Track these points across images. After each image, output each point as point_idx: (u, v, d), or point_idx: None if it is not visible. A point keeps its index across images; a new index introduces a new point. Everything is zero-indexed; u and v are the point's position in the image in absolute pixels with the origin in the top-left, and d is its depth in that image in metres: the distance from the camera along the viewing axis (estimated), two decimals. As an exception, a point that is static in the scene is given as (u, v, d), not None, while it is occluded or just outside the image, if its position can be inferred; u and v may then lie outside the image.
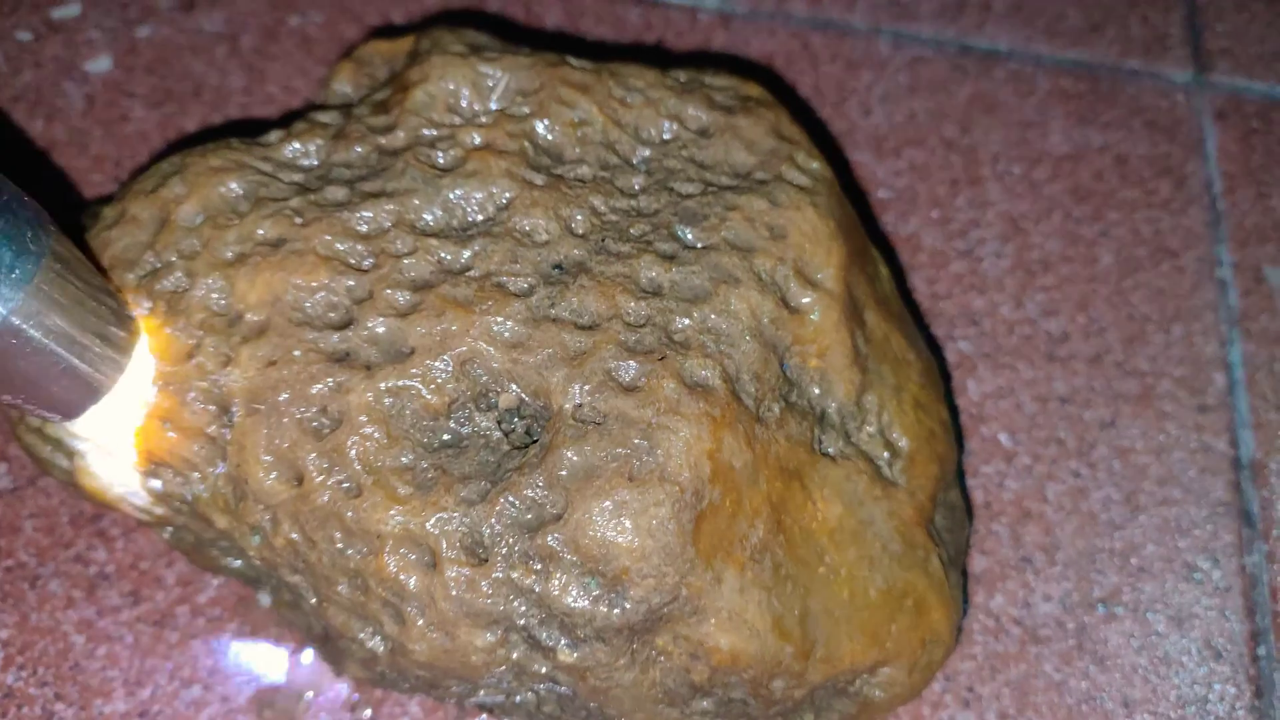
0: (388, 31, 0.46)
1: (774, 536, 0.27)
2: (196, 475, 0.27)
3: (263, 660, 0.34)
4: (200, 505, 0.27)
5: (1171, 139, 0.46)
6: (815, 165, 0.31)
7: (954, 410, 0.39)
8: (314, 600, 0.26)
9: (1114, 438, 0.39)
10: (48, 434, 0.29)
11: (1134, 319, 0.41)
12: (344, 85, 0.34)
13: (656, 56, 0.47)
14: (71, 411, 0.25)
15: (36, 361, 0.23)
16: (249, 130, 0.44)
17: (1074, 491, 0.38)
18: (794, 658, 0.27)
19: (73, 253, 0.24)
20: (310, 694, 0.33)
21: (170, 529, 0.30)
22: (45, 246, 0.23)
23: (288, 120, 0.32)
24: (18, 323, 0.22)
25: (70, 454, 0.29)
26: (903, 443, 0.30)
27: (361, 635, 0.26)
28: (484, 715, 0.32)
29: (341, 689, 0.33)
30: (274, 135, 0.31)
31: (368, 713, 0.33)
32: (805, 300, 0.29)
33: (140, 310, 0.27)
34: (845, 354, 0.29)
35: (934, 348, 0.40)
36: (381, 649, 0.26)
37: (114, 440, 0.27)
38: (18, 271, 0.22)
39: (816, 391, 0.29)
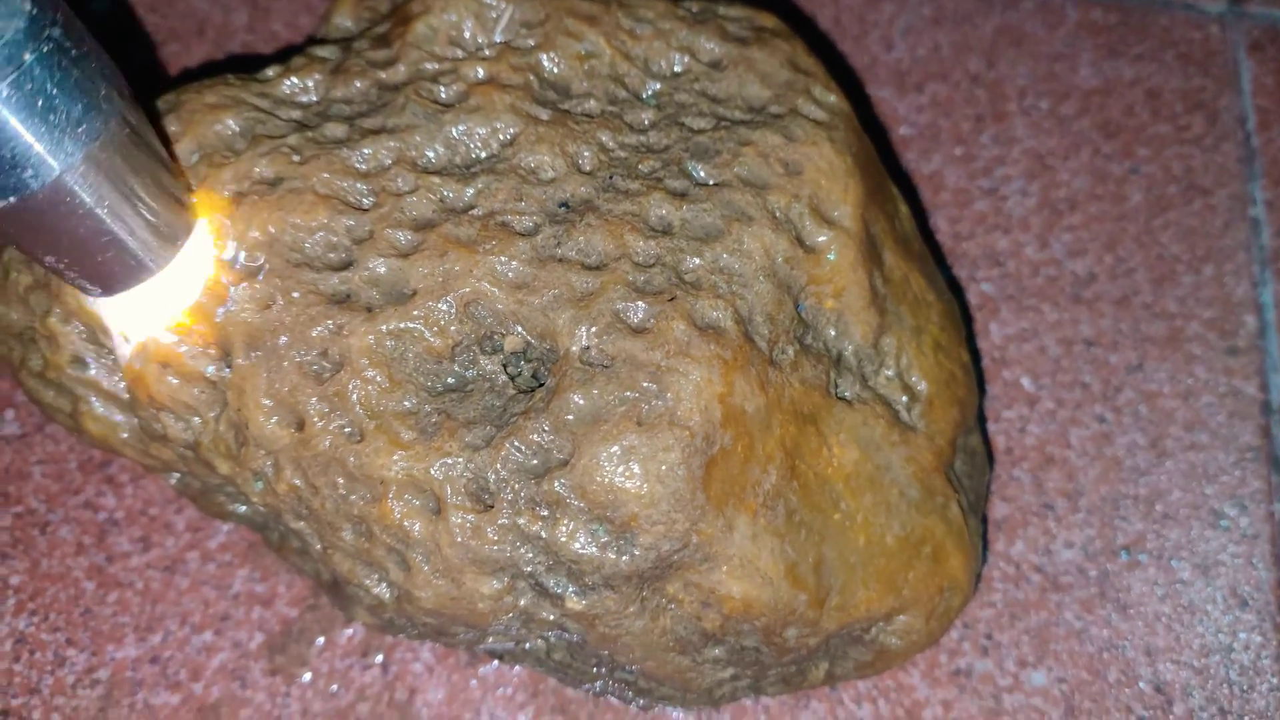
0: None
1: (788, 482, 0.26)
2: (198, 420, 0.26)
3: (274, 606, 0.33)
4: (202, 450, 0.26)
5: (1205, 72, 0.44)
6: (832, 99, 0.30)
7: (975, 354, 0.38)
8: (319, 547, 0.26)
9: (1140, 381, 0.38)
10: (49, 378, 0.29)
11: (1163, 259, 0.40)
12: (344, 19, 0.33)
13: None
14: (110, 287, 0.24)
15: (86, 226, 0.22)
16: (250, 67, 0.43)
17: (1098, 437, 0.37)
18: (808, 605, 0.26)
19: (143, 123, 0.23)
20: (322, 639, 0.33)
21: (176, 475, 0.30)
22: (116, 108, 0.22)
23: (287, 55, 0.31)
24: (71, 182, 0.21)
25: (74, 399, 0.29)
26: (922, 386, 0.29)
27: (367, 582, 0.26)
28: (495, 661, 0.32)
29: (354, 634, 0.33)
30: (272, 70, 0.30)
31: (379, 658, 0.33)
32: (821, 239, 0.28)
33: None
34: (862, 295, 0.28)
35: (955, 289, 0.39)
36: (388, 596, 0.26)
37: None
38: (84, 127, 0.21)
39: (833, 333, 0.28)
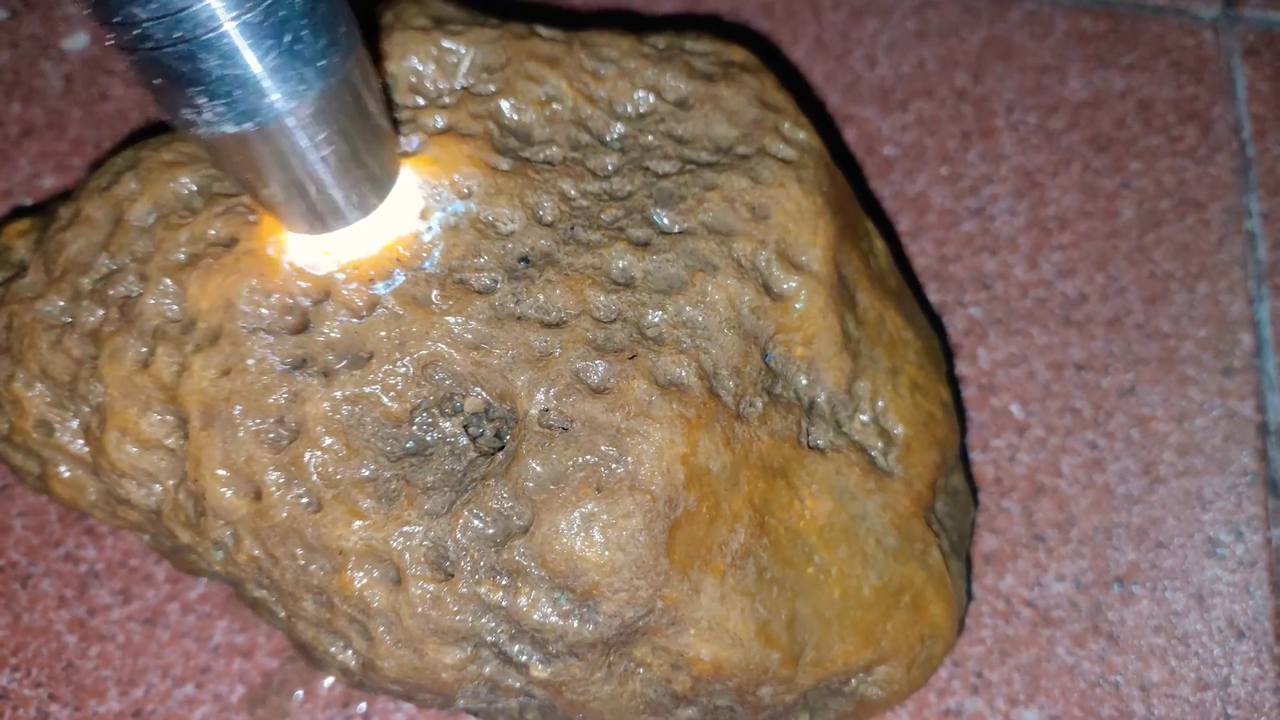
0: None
1: (757, 540, 0.25)
2: (159, 487, 0.26)
3: (254, 657, 0.33)
4: (164, 518, 0.26)
5: (1198, 80, 0.43)
6: (802, 135, 0.29)
7: (956, 385, 0.37)
8: (283, 614, 0.26)
9: (1133, 405, 0.37)
10: (16, 442, 0.28)
11: (1156, 277, 0.39)
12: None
13: (637, 19, 0.45)
14: (315, 227, 0.24)
15: (308, 162, 0.22)
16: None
17: (1089, 464, 0.36)
18: (781, 664, 0.26)
19: (369, 66, 0.23)
20: (301, 692, 0.33)
21: (148, 534, 0.30)
22: (353, 46, 0.22)
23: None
24: (307, 115, 0.21)
25: (42, 461, 0.28)
26: (898, 430, 0.28)
27: (333, 650, 0.25)
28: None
29: (334, 685, 0.32)
30: (232, 123, 0.30)
31: (362, 707, 0.32)
32: (789, 285, 0.27)
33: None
34: (834, 340, 0.27)
35: (935, 320, 0.39)
36: (354, 663, 0.25)
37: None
38: (324, 62, 0.21)
39: (804, 381, 0.27)
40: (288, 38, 0.20)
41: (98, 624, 0.34)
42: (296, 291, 0.25)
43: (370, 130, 0.23)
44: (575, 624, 0.24)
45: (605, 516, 0.23)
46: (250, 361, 0.25)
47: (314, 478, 0.24)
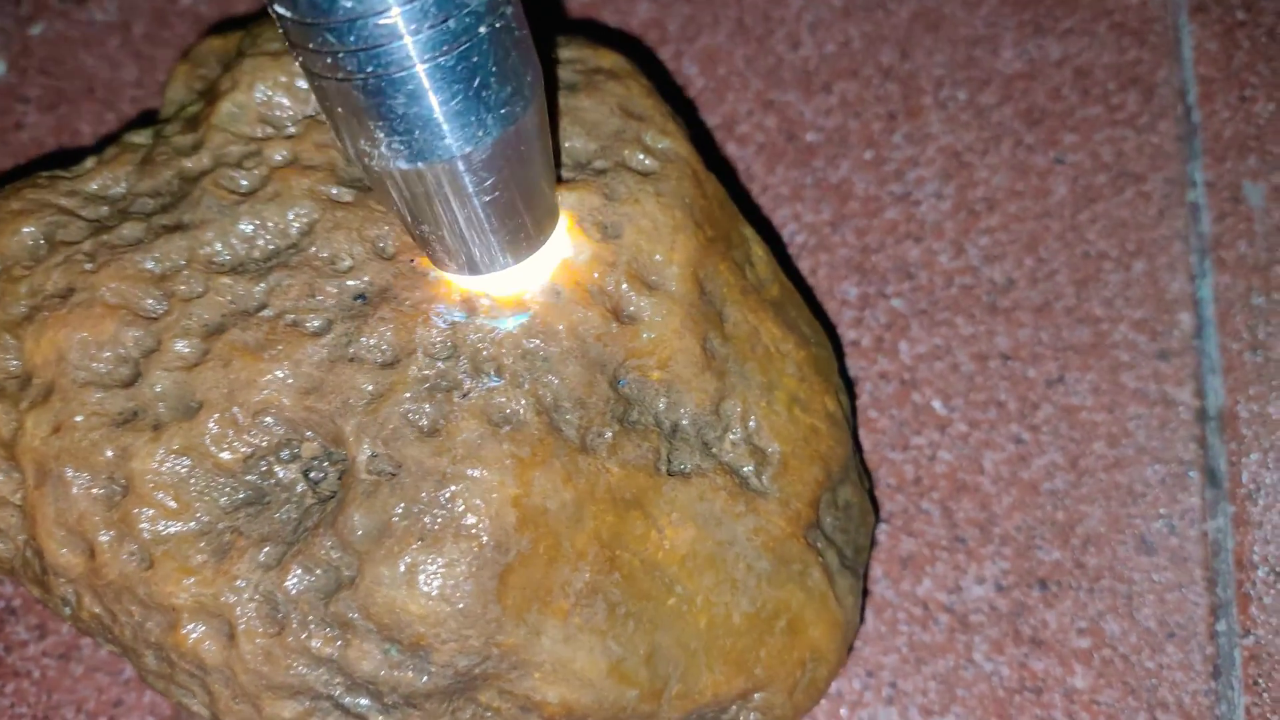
0: (233, 24, 0.44)
1: (606, 575, 0.25)
2: (10, 544, 0.26)
3: (164, 689, 0.33)
4: (17, 574, 0.26)
5: (1141, 42, 0.41)
6: (665, 144, 0.28)
7: (852, 390, 0.36)
8: (133, 668, 0.25)
9: (1061, 396, 0.36)
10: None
11: (1089, 257, 0.37)
12: (178, 90, 0.32)
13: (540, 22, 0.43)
14: (464, 270, 0.25)
15: (471, 207, 0.22)
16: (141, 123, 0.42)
17: (1014, 459, 0.35)
18: (641, 699, 0.25)
19: (546, 119, 0.23)
20: (210, 723, 0.33)
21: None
22: (535, 98, 0.22)
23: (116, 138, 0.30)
24: (479, 160, 0.21)
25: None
26: (773, 448, 0.27)
27: (186, 701, 0.25)
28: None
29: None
30: (90, 162, 0.29)
31: (275, 735, 0.32)
32: (639, 307, 0.26)
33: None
34: (693, 361, 0.26)
35: (829, 327, 0.37)
36: (206, 715, 0.25)
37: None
38: (505, 110, 0.21)
39: (663, 405, 0.26)
40: (476, 83, 0.20)
41: (14, 660, 0.34)
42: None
43: (536, 181, 0.23)
44: (409, 675, 0.23)
45: (428, 567, 0.23)
46: (79, 418, 0.24)
47: (144, 535, 0.24)
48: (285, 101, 0.28)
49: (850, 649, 0.31)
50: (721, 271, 0.28)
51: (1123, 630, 0.33)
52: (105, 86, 0.43)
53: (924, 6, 0.42)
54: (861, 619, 0.32)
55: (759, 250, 0.30)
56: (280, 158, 0.27)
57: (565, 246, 0.26)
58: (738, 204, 0.39)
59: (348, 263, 0.26)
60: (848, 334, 0.37)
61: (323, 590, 0.23)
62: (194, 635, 0.24)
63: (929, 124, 0.40)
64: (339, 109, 0.21)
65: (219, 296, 0.25)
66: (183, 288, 0.25)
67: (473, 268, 0.24)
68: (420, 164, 0.21)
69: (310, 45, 0.19)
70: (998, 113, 0.40)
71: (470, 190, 0.22)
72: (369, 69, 0.19)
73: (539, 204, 0.24)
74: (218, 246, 0.26)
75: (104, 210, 0.28)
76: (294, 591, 0.23)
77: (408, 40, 0.19)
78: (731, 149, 0.40)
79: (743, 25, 0.42)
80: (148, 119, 0.41)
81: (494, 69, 0.20)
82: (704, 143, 0.40)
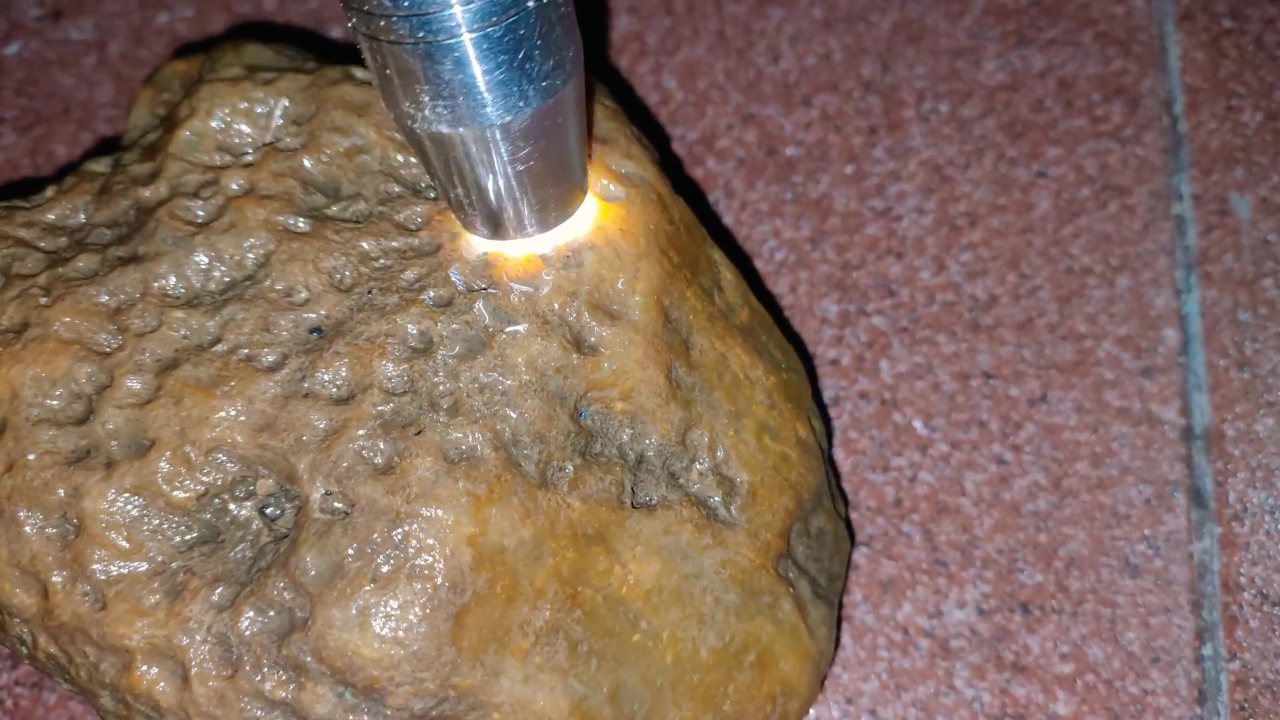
0: (204, 45, 0.43)
1: (567, 613, 0.24)
2: (-33, 582, 0.25)
3: None
4: (-27, 613, 0.26)
5: (1126, 52, 0.40)
6: (629, 168, 0.28)
7: (826, 415, 0.35)
8: (96, 709, 0.25)
9: (1044, 415, 0.35)
10: None
11: (1072, 273, 0.37)
12: (142, 115, 0.31)
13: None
14: (493, 235, 0.25)
15: (504, 175, 0.23)
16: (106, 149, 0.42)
17: (996, 480, 0.34)
18: (605, 738, 0.24)
19: (583, 96, 0.24)
20: (182, 754, 0.32)
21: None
22: (575, 73, 0.23)
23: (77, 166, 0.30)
24: (518, 131, 0.22)
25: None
26: (741, 478, 0.27)
27: (144, 741, 0.25)
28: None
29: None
30: (49, 191, 0.29)
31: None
32: (601, 337, 0.25)
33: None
34: (657, 391, 0.26)
35: (804, 351, 0.36)
36: (165, 755, 0.25)
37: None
38: (546, 83, 0.22)
39: (627, 437, 0.26)
40: (520, 54, 0.21)
41: (-13, 690, 0.34)
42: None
43: (569, 154, 0.24)
44: (364, 718, 0.23)
45: (380, 609, 0.22)
46: (32, 456, 0.24)
47: (97, 575, 0.23)
48: (244, 128, 0.28)
49: (824, 680, 0.30)
50: (688, 298, 0.27)
51: (1106, 655, 0.32)
52: (81, 107, 0.43)
53: (905, 18, 0.42)
54: (837, 646, 0.31)
55: (728, 274, 0.29)
56: (237, 186, 0.27)
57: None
58: (714, 222, 0.39)
59: (304, 295, 0.25)
60: (828, 353, 0.36)
61: (276, 632, 0.23)
62: (148, 677, 0.23)
63: (910, 137, 0.39)
64: (386, 70, 0.21)
65: (172, 331, 0.25)
66: (136, 322, 0.25)
67: (500, 232, 0.25)
68: (460, 129, 0.22)
69: (365, 7, 0.20)
70: (980, 125, 0.39)
71: (506, 158, 0.23)
72: (420, 34, 0.20)
73: (570, 176, 0.25)
74: (172, 280, 0.26)
75: (62, 241, 0.27)
76: (247, 633, 0.23)
77: (459, 9, 0.20)
78: (711, 164, 0.40)
79: (723, 38, 0.42)
80: (111, 145, 0.41)
81: (539, 42, 0.21)
82: (676, 161, 0.40)
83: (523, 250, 0.26)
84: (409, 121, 0.22)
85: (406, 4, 0.20)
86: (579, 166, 0.25)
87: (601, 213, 0.27)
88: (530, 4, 0.21)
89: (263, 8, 0.44)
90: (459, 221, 0.26)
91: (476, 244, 0.26)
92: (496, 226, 0.25)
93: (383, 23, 0.20)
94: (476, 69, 0.21)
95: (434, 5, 0.20)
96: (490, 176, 0.23)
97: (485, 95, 0.21)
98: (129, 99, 0.43)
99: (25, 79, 0.44)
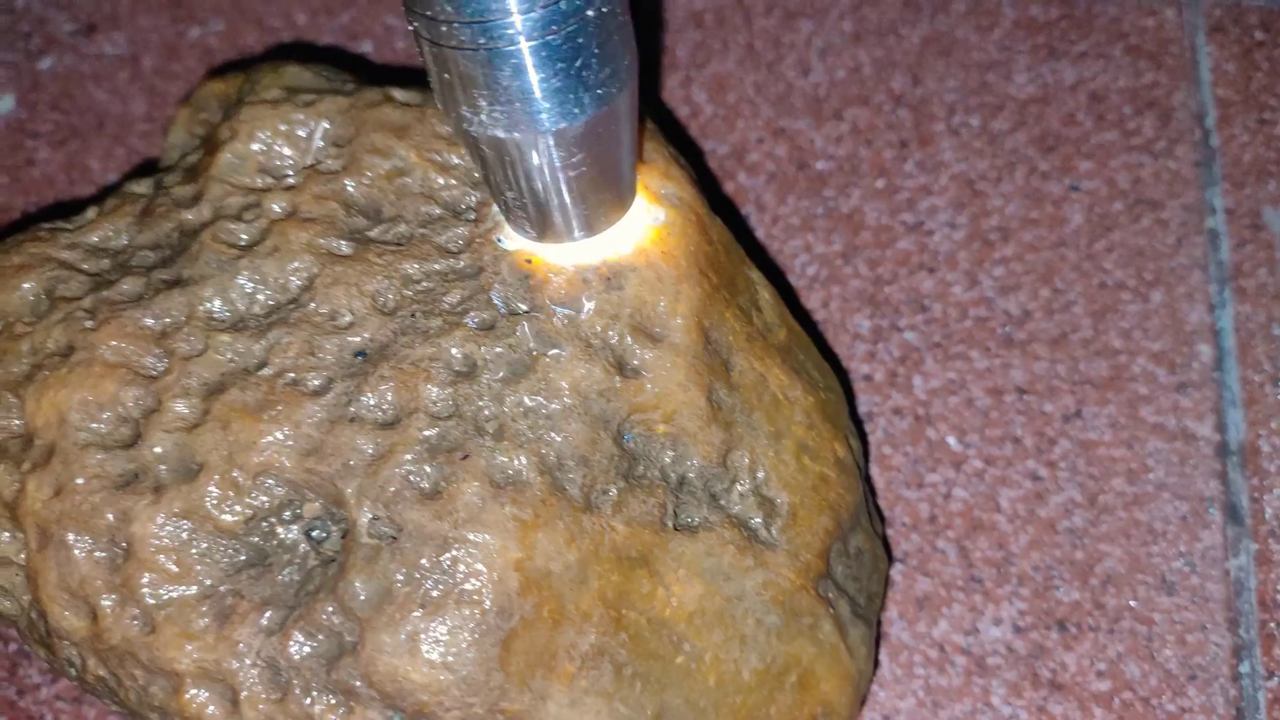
0: (237, 65, 0.44)
1: (612, 636, 0.24)
2: (15, 604, 0.26)
3: (174, 735, 0.33)
4: (22, 634, 0.26)
5: (1157, 65, 0.40)
6: (668, 189, 0.28)
7: (863, 433, 0.35)
8: (141, 729, 0.25)
9: (1079, 430, 0.35)
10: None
11: (1106, 288, 0.37)
12: (180, 135, 0.32)
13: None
14: (542, 237, 0.26)
15: (555, 180, 0.24)
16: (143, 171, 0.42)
17: (1031, 497, 0.34)
18: (649, 760, 0.24)
19: (635, 105, 0.24)
20: (220, 769, 0.33)
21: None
22: (629, 83, 0.23)
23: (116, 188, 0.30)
24: (571, 137, 0.22)
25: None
26: (781, 499, 0.27)
27: (191, 763, 0.25)
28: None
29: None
30: (91, 212, 0.29)
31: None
32: (644, 360, 0.25)
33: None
34: (698, 413, 0.26)
35: (838, 367, 0.36)
36: (211, 776, 0.25)
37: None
38: (600, 91, 0.22)
39: (669, 459, 0.26)
40: (578, 63, 0.21)
41: (27, 704, 0.34)
42: None
43: (620, 161, 0.24)
44: (412, 742, 0.23)
45: (429, 634, 0.22)
46: (80, 480, 0.24)
47: (146, 599, 0.24)
48: (285, 150, 0.28)
49: (864, 700, 0.30)
50: (727, 319, 0.27)
51: (1143, 673, 0.32)
52: (116, 121, 0.43)
53: (936, 31, 0.42)
54: (876, 665, 0.32)
55: (766, 294, 0.30)
56: (279, 209, 0.27)
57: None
58: (746, 237, 0.39)
59: (348, 318, 0.26)
60: (860, 368, 0.36)
61: (325, 656, 0.23)
62: (197, 700, 0.23)
63: (941, 151, 0.39)
64: (445, 74, 0.22)
65: (218, 355, 0.25)
66: (183, 345, 0.25)
67: (548, 235, 0.26)
68: (516, 134, 0.22)
69: (427, 12, 0.21)
70: (1011, 139, 0.39)
71: (559, 163, 0.23)
72: (480, 40, 0.21)
73: (620, 183, 0.25)
74: (217, 303, 0.26)
75: (105, 263, 0.28)
76: (296, 657, 0.23)
77: (519, 17, 0.20)
78: (742, 178, 0.40)
79: (753, 51, 0.42)
80: (149, 167, 0.41)
81: (596, 50, 0.22)
82: (710, 176, 0.40)
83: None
84: (465, 125, 0.22)
85: (469, 11, 0.20)
86: (629, 173, 0.25)
87: (643, 235, 0.27)
88: (590, 13, 0.21)
89: (294, 22, 0.44)
90: (508, 222, 0.26)
91: (517, 265, 0.26)
92: (545, 229, 0.25)
93: (445, 28, 0.21)
94: (534, 76, 0.21)
95: (496, 13, 0.20)
96: (542, 180, 0.23)
97: (541, 102, 0.22)
98: (164, 116, 0.43)
99: (60, 93, 0.44)
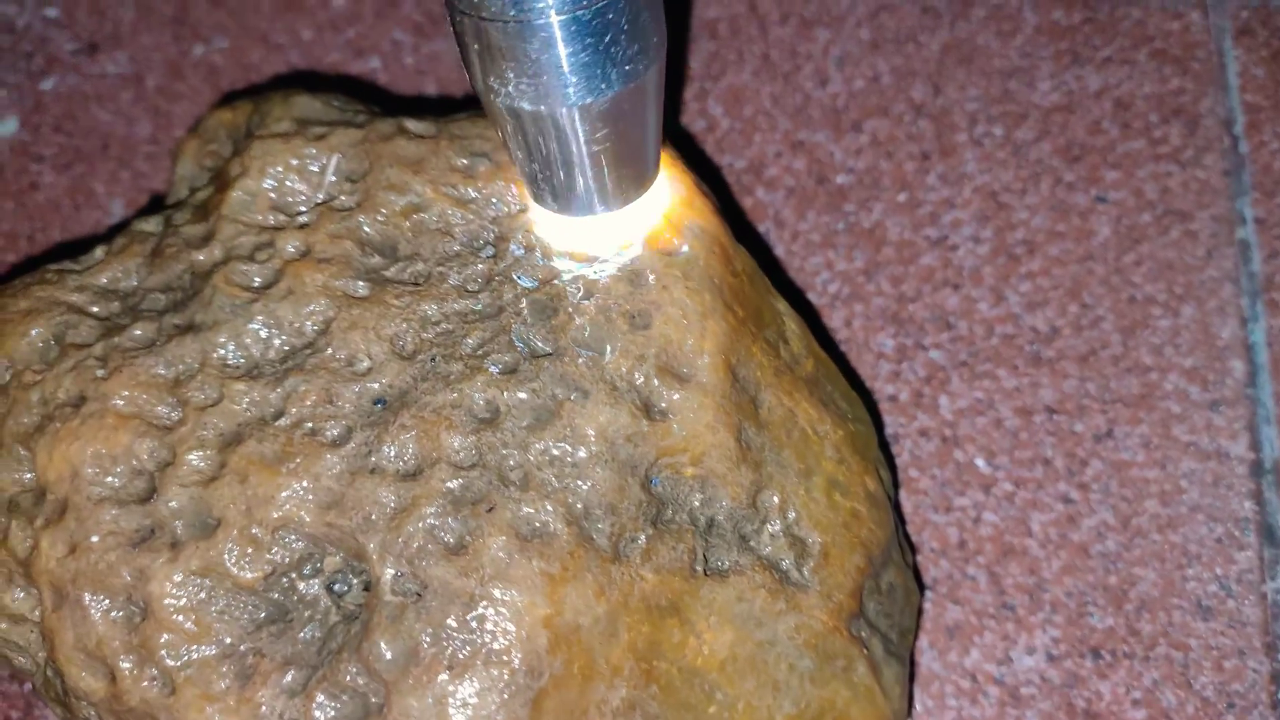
0: (249, 92, 0.43)
1: (644, 689, 0.24)
2: (30, 661, 0.25)
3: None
4: (37, 691, 0.25)
5: (1184, 71, 0.39)
6: (691, 221, 0.27)
7: (892, 462, 0.34)
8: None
9: (1110, 451, 0.34)
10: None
11: (1135, 302, 0.36)
12: (188, 166, 0.31)
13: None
14: (564, 210, 0.26)
15: (580, 153, 0.24)
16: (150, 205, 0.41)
17: (1063, 520, 0.34)
18: (683, 813, 0.24)
19: (662, 82, 0.24)
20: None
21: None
22: (657, 61, 0.23)
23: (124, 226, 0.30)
24: (598, 112, 0.23)
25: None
26: (813, 538, 0.26)
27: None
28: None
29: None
30: (99, 252, 0.28)
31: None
32: (671, 402, 0.25)
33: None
34: (727, 454, 0.25)
35: (861, 388, 0.35)
36: (234, 836, 0.24)
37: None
38: (629, 67, 0.22)
39: (698, 502, 0.25)
40: (607, 38, 0.22)
41: (44, 746, 0.34)
42: None
43: (645, 138, 0.25)
44: (442, 806, 0.22)
45: (458, 696, 0.22)
46: (95, 538, 0.23)
47: (166, 660, 0.23)
48: (297, 186, 0.27)
49: (898, 741, 0.29)
50: (754, 354, 0.27)
51: (1180, 700, 0.32)
52: (120, 143, 0.42)
53: (956, 38, 0.41)
54: (911, 706, 0.31)
55: (792, 324, 0.29)
56: (293, 249, 0.26)
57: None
58: (766, 255, 0.38)
59: (365, 364, 0.25)
60: (885, 389, 0.36)
61: (350, 718, 0.23)
62: (219, 765, 0.23)
63: (964, 163, 0.39)
64: (475, 45, 0.22)
65: (234, 404, 0.24)
66: (197, 395, 0.25)
67: (572, 208, 0.26)
68: (542, 107, 0.22)
69: None
70: (1035, 149, 0.38)
71: (584, 138, 0.23)
72: (511, 13, 0.21)
73: (644, 159, 0.25)
74: (231, 349, 0.25)
75: (115, 306, 0.27)
76: (320, 718, 0.23)
77: None
78: (760, 193, 0.39)
79: (769, 61, 0.41)
80: (158, 203, 0.40)
81: (625, 26, 0.22)
82: (728, 192, 0.39)
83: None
84: (492, 95, 0.23)
85: None
86: (654, 150, 0.26)
87: (665, 269, 0.26)
88: None
89: (299, 38, 0.43)
90: (530, 195, 0.26)
91: (540, 304, 0.25)
92: (568, 202, 0.25)
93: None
94: (562, 50, 0.21)
95: None
96: (566, 154, 0.24)
97: (569, 76, 0.22)
98: (169, 138, 0.42)
99: (63, 114, 0.43)
